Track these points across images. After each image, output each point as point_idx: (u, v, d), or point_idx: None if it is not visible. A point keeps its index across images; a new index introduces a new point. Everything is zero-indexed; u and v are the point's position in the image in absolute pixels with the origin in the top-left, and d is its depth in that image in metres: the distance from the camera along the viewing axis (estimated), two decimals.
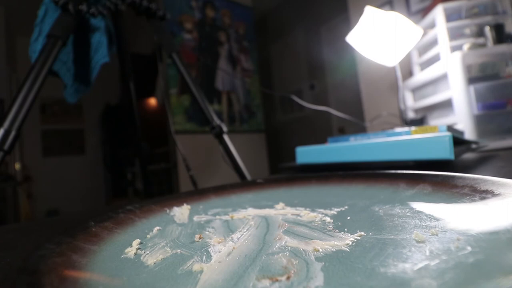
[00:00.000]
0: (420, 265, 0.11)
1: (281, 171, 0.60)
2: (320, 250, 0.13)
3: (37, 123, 3.05)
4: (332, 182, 0.28)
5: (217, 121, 0.73)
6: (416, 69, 1.64)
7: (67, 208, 2.97)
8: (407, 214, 0.17)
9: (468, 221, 0.14)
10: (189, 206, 0.25)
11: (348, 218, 0.18)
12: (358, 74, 2.15)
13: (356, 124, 1.99)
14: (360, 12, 1.21)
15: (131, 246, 0.17)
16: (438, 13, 1.36)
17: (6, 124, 0.46)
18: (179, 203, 0.26)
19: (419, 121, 1.48)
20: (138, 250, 0.16)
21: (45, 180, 2.91)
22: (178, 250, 0.16)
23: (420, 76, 1.49)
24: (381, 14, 1.11)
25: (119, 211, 0.22)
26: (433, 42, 1.47)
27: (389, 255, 0.12)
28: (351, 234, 0.15)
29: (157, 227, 0.20)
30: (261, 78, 2.82)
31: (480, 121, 1.19)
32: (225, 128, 0.73)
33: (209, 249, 0.15)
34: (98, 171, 3.37)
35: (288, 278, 0.11)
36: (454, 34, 1.39)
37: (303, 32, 2.87)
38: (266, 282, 0.11)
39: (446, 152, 0.32)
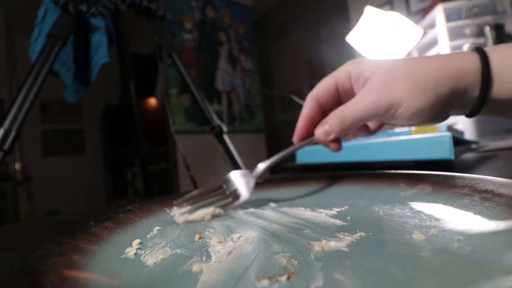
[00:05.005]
0: (420, 265, 0.11)
1: (281, 171, 0.60)
2: (320, 250, 0.13)
3: (37, 123, 3.05)
4: (332, 182, 0.28)
5: (217, 121, 0.73)
6: None
7: (67, 208, 2.97)
8: (407, 214, 0.17)
9: (468, 221, 0.14)
10: (189, 206, 0.25)
11: (348, 218, 0.18)
12: None
13: None
14: (360, 12, 1.21)
15: (131, 246, 0.17)
16: (438, 13, 1.36)
17: (6, 124, 0.46)
18: (179, 203, 0.26)
19: None
20: (138, 250, 0.16)
21: (45, 180, 2.91)
22: (178, 250, 0.16)
23: None
24: (381, 14, 1.11)
25: (119, 211, 0.22)
26: (433, 42, 1.46)
27: (389, 255, 0.12)
28: (351, 234, 0.15)
29: (157, 227, 0.20)
30: (261, 78, 2.82)
31: (480, 121, 1.19)
32: (225, 128, 0.73)
33: (209, 249, 0.15)
34: (98, 171, 3.36)
35: (288, 278, 0.11)
36: (454, 34, 1.39)
37: (303, 32, 2.86)
38: (266, 282, 0.11)
39: (446, 152, 0.32)
